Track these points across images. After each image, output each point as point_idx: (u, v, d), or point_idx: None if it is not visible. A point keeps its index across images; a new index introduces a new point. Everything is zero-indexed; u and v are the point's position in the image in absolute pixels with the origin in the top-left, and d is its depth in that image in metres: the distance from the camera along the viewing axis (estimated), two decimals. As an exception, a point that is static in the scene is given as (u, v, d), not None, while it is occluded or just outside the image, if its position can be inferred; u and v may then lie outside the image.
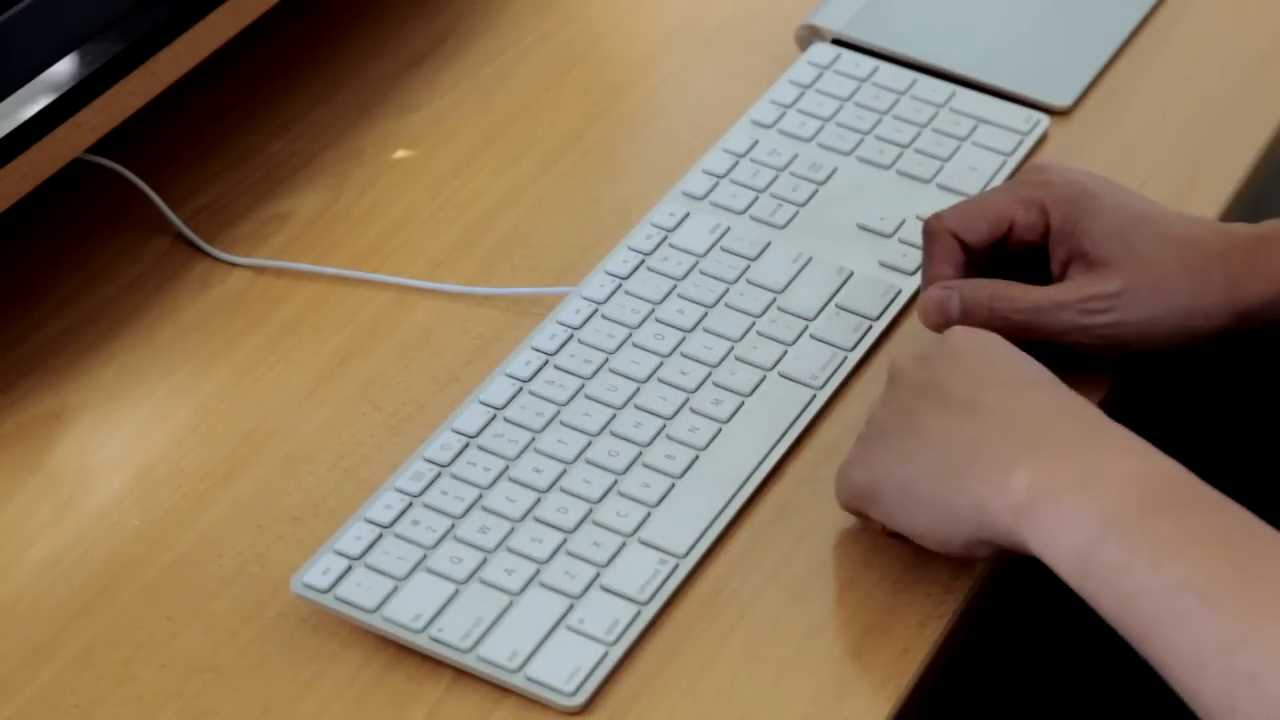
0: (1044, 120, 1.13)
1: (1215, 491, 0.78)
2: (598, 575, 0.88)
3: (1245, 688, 0.72)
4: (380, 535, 0.89)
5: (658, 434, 0.94)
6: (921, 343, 1.00)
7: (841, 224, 1.06)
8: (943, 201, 1.07)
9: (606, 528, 0.90)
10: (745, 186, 1.08)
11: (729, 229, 1.05)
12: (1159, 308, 0.93)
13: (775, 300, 1.01)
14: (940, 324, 0.94)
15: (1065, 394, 0.84)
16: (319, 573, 0.87)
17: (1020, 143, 1.11)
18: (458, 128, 1.15)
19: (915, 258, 1.04)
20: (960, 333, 0.88)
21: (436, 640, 0.85)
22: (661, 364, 0.97)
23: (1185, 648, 0.73)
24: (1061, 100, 1.15)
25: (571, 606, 0.87)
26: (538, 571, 0.88)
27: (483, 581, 0.87)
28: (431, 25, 1.22)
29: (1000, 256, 0.97)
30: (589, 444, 0.93)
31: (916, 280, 1.03)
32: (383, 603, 0.86)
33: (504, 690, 0.85)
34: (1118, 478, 0.77)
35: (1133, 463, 0.79)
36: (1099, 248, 0.93)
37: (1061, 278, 0.95)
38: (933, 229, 0.97)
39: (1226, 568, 0.74)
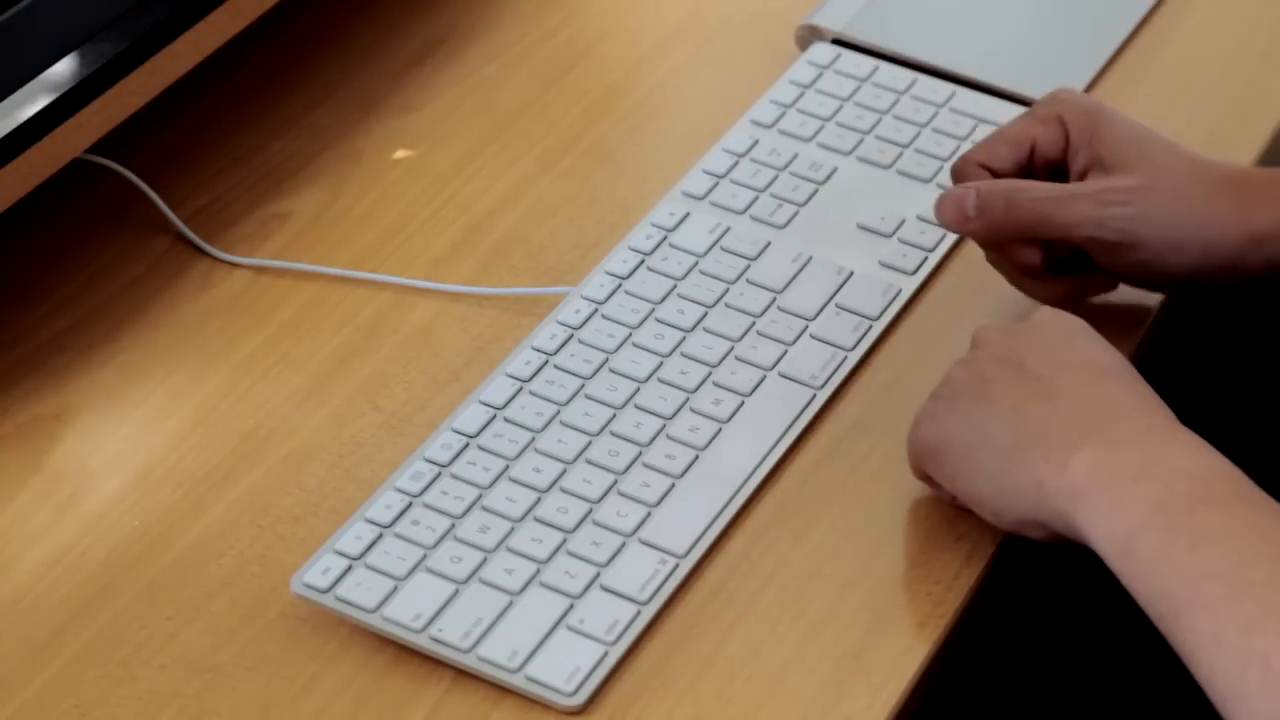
0: (1044, 120, 1.13)
1: (1265, 494, 0.79)
2: (598, 575, 0.88)
3: (1256, 669, 0.73)
4: (380, 535, 0.89)
5: (658, 434, 0.94)
6: (922, 343, 1.00)
7: (841, 224, 1.06)
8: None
9: (606, 528, 0.90)
10: (745, 186, 1.08)
11: (729, 229, 1.05)
12: (1176, 210, 0.93)
13: (775, 300, 1.01)
14: (957, 220, 0.95)
15: (1139, 387, 0.85)
16: (319, 573, 0.87)
17: (1020, 142, 1.11)
18: (458, 128, 1.15)
19: (915, 257, 1.04)
20: (1048, 312, 0.90)
21: (436, 640, 0.85)
22: (661, 364, 0.97)
23: (1206, 629, 0.75)
24: (1061, 100, 1.15)
25: (571, 606, 0.87)
26: (538, 571, 0.88)
27: (483, 581, 0.87)
28: (431, 25, 1.22)
29: None
30: (589, 444, 0.93)
31: (917, 280, 1.03)
32: (383, 603, 0.86)
33: (504, 690, 0.85)
34: (1171, 471, 0.80)
35: (1190, 458, 0.80)
36: (1115, 152, 0.94)
37: None
38: (960, 167, 0.98)
39: (1258, 560, 0.76)
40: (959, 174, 0.98)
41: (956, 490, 0.87)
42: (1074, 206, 0.94)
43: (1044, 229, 0.93)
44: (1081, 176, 0.96)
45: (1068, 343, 0.87)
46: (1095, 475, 0.81)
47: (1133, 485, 0.79)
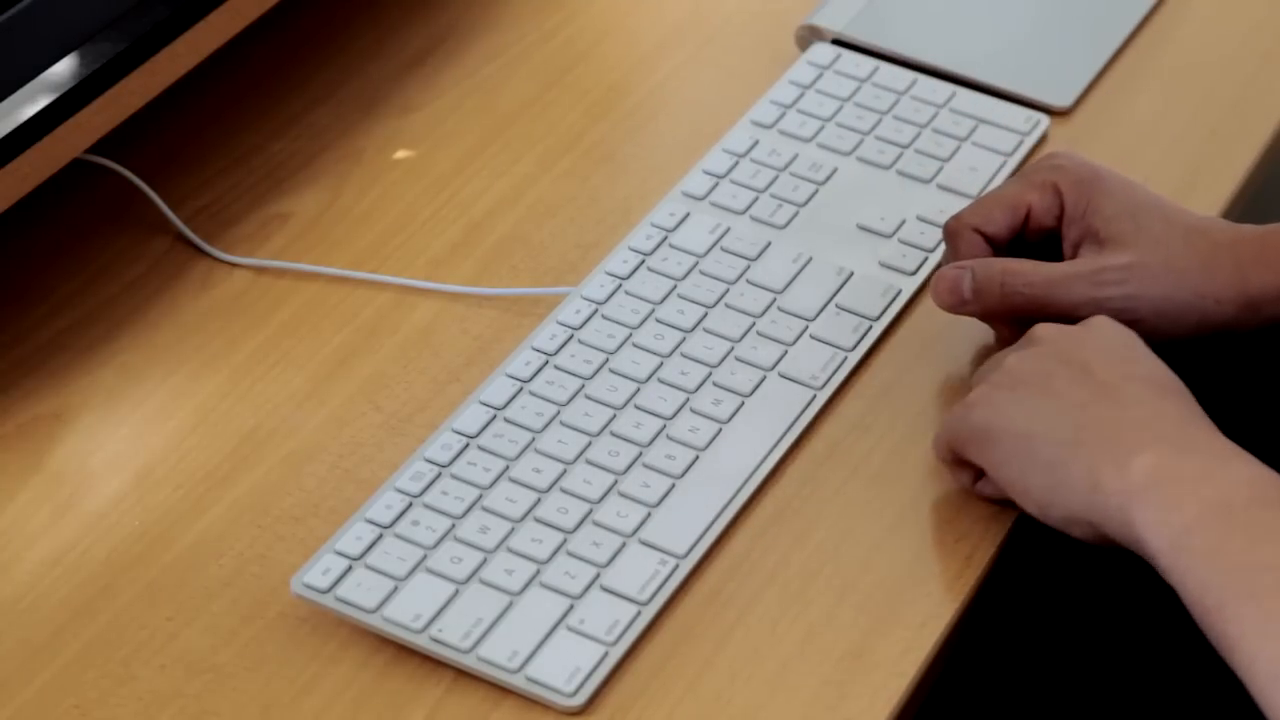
0: (1044, 120, 1.13)
1: None
2: (598, 575, 0.88)
3: None
4: (380, 535, 0.89)
5: (658, 434, 0.94)
6: (922, 343, 1.00)
7: (841, 224, 1.06)
8: (943, 201, 1.07)
9: (606, 528, 0.90)
10: (745, 187, 1.08)
11: (729, 229, 1.05)
12: (1171, 285, 0.93)
13: (775, 300, 1.01)
14: (953, 303, 0.95)
15: (1197, 409, 0.86)
16: (319, 573, 0.87)
17: (1020, 143, 1.11)
18: (458, 128, 1.15)
19: (915, 258, 1.04)
20: (1104, 321, 0.90)
21: (436, 640, 0.85)
22: (661, 364, 0.97)
23: (1252, 619, 0.76)
24: (1061, 100, 1.15)
25: (571, 607, 0.87)
26: (538, 572, 0.88)
27: (483, 582, 0.87)
28: (431, 25, 1.22)
29: (1018, 253, 0.97)
30: (589, 444, 0.93)
31: (917, 280, 1.03)
32: (383, 603, 0.86)
33: (504, 690, 0.85)
34: (1233, 477, 0.80)
35: (1251, 469, 0.81)
36: (1110, 226, 0.94)
37: (1073, 259, 0.96)
38: (954, 229, 0.97)
39: None
40: (952, 235, 0.97)
41: (1001, 477, 0.87)
42: (1072, 289, 0.94)
43: (1040, 311, 0.94)
44: (1075, 247, 0.96)
45: (1129, 353, 0.88)
46: (1157, 474, 0.81)
47: (1195, 484, 0.80)
